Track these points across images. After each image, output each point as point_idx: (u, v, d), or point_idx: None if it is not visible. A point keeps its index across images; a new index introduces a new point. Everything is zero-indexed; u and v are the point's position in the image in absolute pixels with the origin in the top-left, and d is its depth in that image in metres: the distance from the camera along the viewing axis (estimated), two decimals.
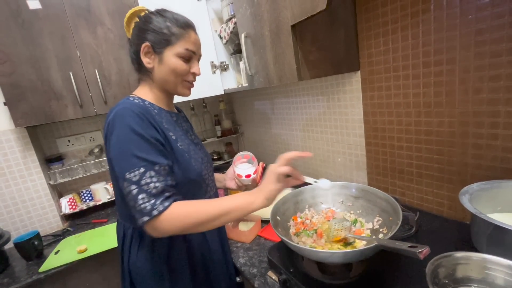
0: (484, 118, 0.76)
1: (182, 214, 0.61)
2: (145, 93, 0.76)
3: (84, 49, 1.32)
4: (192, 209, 0.62)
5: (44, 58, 1.24)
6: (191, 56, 0.74)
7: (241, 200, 0.64)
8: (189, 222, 0.61)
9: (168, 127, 0.73)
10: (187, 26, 0.73)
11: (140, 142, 0.63)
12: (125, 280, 0.78)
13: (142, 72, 0.77)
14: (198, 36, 0.77)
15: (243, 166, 0.96)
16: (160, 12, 0.74)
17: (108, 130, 0.66)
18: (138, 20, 0.75)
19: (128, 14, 0.75)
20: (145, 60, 0.73)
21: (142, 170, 0.61)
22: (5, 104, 1.21)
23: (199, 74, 0.77)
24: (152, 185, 0.60)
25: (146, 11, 0.76)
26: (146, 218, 0.59)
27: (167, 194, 0.62)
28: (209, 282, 0.83)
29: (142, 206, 0.59)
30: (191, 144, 0.80)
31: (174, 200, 0.63)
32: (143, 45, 0.71)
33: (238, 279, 0.94)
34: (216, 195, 0.87)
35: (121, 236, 0.78)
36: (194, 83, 0.80)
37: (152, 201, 0.59)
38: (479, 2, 0.70)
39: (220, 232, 0.89)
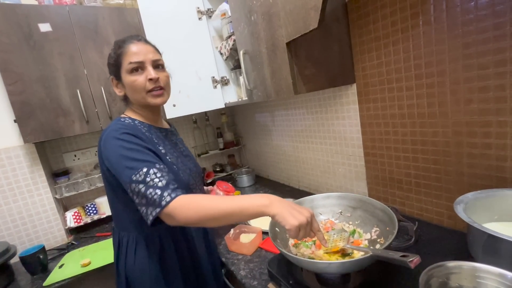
0: (476, 128, 0.77)
1: (193, 205, 0.63)
2: (132, 115, 0.83)
3: (91, 67, 1.38)
4: (204, 203, 0.63)
5: (53, 77, 1.31)
6: (140, 66, 0.75)
7: (253, 204, 0.61)
8: (202, 214, 0.62)
9: (157, 142, 0.79)
10: (123, 42, 0.77)
11: (137, 148, 0.69)
12: (120, 286, 0.82)
13: (125, 100, 0.85)
14: (145, 44, 0.79)
15: None
16: (113, 46, 0.80)
17: (104, 146, 0.72)
18: None
19: None
20: (117, 90, 0.82)
21: (145, 169, 0.66)
22: (15, 121, 1.27)
23: (154, 77, 0.76)
24: (157, 180, 0.65)
25: None
26: (158, 209, 0.63)
27: (172, 186, 0.66)
28: (199, 283, 0.89)
29: (152, 200, 0.64)
30: (180, 156, 0.86)
31: (181, 193, 0.66)
32: (110, 79, 0.82)
33: None
34: None
35: (117, 245, 0.83)
36: (163, 88, 0.79)
37: (159, 193, 0.64)
38: (465, 17, 0.73)
39: (205, 234, 0.94)
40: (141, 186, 0.65)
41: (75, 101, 1.35)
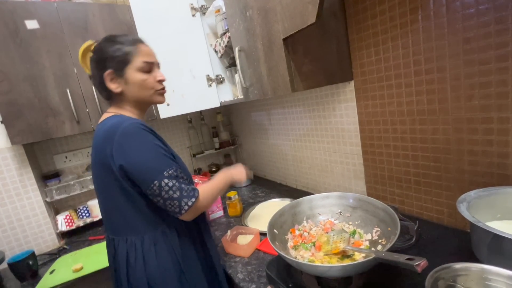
0: (477, 124, 0.76)
1: (206, 194, 0.78)
2: (124, 113, 0.79)
3: (81, 66, 1.33)
4: (210, 190, 0.80)
5: (42, 76, 1.26)
6: (151, 66, 0.79)
7: (225, 181, 0.88)
8: (212, 199, 0.80)
9: (159, 138, 0.78)
10: (135, 41, 0.78)
11: (162, 146, 0.74)
12: None
13: (113, 98, 0.81)
14: (149, 47, 0.82)
15: None
16: (109, 39, 0.78)
17: (125, 142, 0.70)
18: (92, 54, 0.78)
19: (80, 53, 0.80)
20: (113, 86, 0.77)
21: (174, 167, 0.73)
22: (1, 122, 1.22)
23: (164, 79, 0.82)
24: (184, 176, 0.75)
25: (95, 43, 0.79)
26: (193, 200, 0.73)
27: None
28: (214, 276, 0.89)
29: (188, 192, 0.72)
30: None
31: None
32: (106, 73, 0.76)
33: None
34: None
35: (125, 254, 0.76)
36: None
37: (190, 187, 0.74)
38: (465, 12, 0.71)
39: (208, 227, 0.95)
40: (174, 181, 0.71)
41: (64, 100, 1.30)
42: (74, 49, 1.31)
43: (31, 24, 1.23)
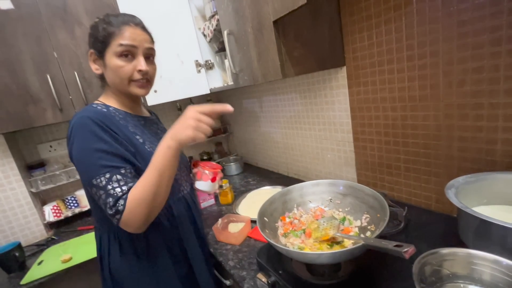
0: (468, 110, 0.75)
1: (137, 202, 0.62)
2: (108, 99, 0.76)
3: (61, 50, 1.26)
4: (139, 189, 0.62)
5: (19, 60, 1.19)
6: (131, 51, 0.69)
7: (162, 154, 0.63)
8: (146, 202, 0.62)
9: (134, 131, 0.73)
10: (121, 23, 0.69)
11: (102, 149, 0.64)
12: (107, 286, 0.77)
13: (101, 79, 0.77)
14: (142, 30, 0.73)
15: (200, 184, 0.94)
16: (102, 17, 0.71)
17: (70, 140, 0.67)
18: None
19: None
20: (94, 66, 0.74)
21: (108, 175, 0.63)
22: None
23: (144, 70, 0.71)
24: (118, 189, 0.62)
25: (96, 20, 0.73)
26: (118, 217, 0.62)
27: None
28: (192, 274, 0.84)
29: (112, 207, 0.62)
30: None
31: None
32: (89, 52, 0.73)
33: (228, 282, 0.92)
34: (191, 193, 0.89)
35: (99, 242, 0.79)
36: (152, 80, 0.77)
37: (117, 202, 0.62)
38: None
39: (194, 223, 0.87)
40: (101, 192, 0.63)
41: (45, 87, 1.24)
42: (53, 32, 1.24)
43: (4, 4, 1.14)
